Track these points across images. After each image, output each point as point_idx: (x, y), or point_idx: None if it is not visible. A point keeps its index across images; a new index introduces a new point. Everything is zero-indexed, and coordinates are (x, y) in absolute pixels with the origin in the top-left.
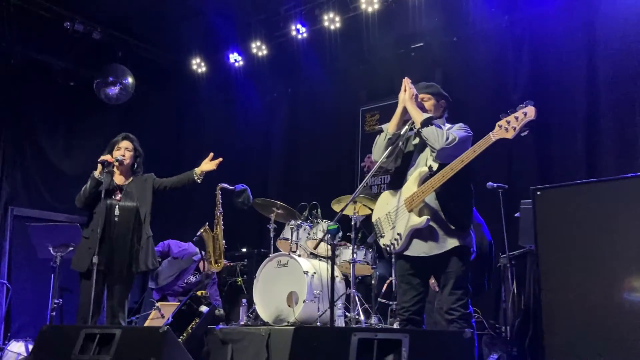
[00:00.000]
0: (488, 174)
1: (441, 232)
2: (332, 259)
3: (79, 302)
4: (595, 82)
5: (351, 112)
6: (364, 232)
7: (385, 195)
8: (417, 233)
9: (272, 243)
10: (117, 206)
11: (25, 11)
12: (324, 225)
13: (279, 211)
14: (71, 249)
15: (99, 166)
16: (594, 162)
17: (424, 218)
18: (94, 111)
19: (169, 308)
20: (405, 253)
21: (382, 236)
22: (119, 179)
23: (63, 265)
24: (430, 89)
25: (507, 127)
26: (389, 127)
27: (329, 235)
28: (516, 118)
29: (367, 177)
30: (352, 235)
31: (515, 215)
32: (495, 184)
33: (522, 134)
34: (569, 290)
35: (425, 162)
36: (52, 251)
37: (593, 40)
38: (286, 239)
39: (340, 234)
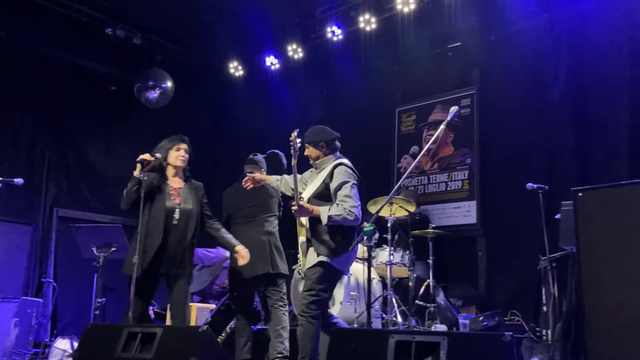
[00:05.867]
0: (527, 175)
1: None
2: (368, 260)
3: (129, 303)
4: (638, 80)
5: (387, 113)
6: (400, 233)
7: None
8: None
9: None
10: (177, 209)
11: (68, 18)
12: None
13: None
14: (114, 249)
15: (138, 166)
16: (636, 163)
17: None
18: (134, 115)
19: None
20: None
21: None
22: (175, 182)
23: (106, 265)
24: (306, 138)
25: None
26: None
27: (365, 237)
28: None
29: (402, 179)
30: (389, 237)
31: (556, 217)
32: (535, 185)
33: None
34: (613, 295)
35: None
36: (95, 251)
37: (635, 37)
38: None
39: (377, 235)
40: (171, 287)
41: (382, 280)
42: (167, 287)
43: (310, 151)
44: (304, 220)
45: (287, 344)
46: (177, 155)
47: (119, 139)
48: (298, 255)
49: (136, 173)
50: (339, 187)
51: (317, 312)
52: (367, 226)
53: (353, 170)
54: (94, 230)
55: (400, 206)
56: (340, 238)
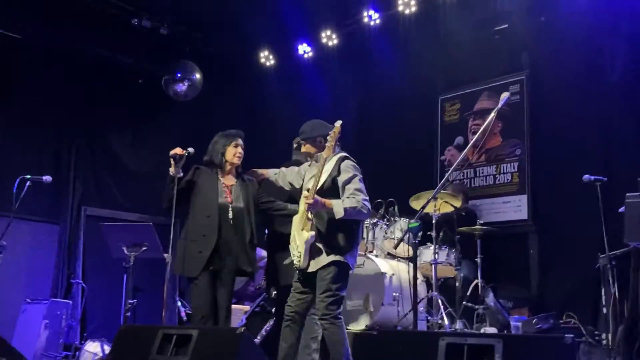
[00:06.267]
0: (583, 166)
1: None
2: (414, 259)
3: (192, 304)
4: None
5: (429, 102)
6: (445, 230)
7: None
8: None
9: None
10: (230, 208)
11: (94, 10)
12: (402, 223)
13: None
14: (144, 248)
15: (172, 161)
16: None
17: None
18: (162, 108)
19: None
20: None
21: None
22: (228, 179)
23: (136, 265)
24: (303, 135)
25: None
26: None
27: (410, 234)
28: None
29: (449, 172)
30: (433, 234)
31: (619, 210)
32: (592, 177)
33: None
34: None
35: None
36: (125, 251)
37: None
38: (362, 238)
39: (421, 232)
40: (219, 283)
41: (427, 280)
42: (215, 282)
43: (308, 148)
44: (309, 214)
45: (315, 356)
46: (235, 152)
47: (147, 134)
48: (298, 250)
49: (171, 170)
50: (349, 181)
51: (338, 312)
52: (413, 222)
53: (357, 165)
54: (124, 229)
55: (445, 201)
56: (349, 234)
